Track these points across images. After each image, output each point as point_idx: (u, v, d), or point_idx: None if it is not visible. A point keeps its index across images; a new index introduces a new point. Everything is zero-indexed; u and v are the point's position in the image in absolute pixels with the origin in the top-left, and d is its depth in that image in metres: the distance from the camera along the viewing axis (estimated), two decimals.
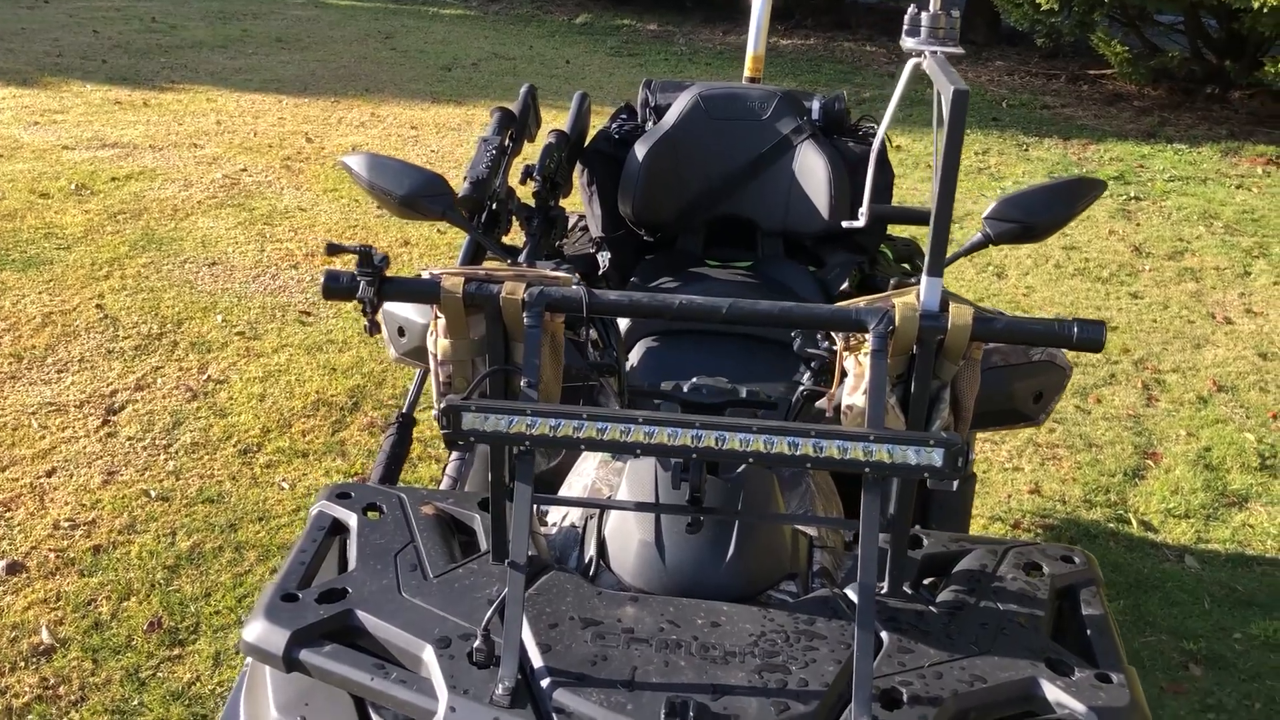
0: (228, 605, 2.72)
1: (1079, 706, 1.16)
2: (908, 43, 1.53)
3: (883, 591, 1.32)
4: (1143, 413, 3.86)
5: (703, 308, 1.35)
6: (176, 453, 3.32)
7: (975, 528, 3.09)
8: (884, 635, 1.24)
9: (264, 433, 3.44)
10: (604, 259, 2.40)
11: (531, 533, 1.35)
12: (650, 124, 2.52)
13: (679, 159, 2.41)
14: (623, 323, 2.09)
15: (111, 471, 3.22)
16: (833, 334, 1.44)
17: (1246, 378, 4.12)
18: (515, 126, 2.29)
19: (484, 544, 1.38)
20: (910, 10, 1.54)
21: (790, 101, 2.45)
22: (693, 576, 1.34)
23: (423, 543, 1.36)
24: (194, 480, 3.20)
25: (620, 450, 1.21)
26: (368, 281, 1.36)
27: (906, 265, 2.54)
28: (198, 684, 2.49)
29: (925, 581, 1.39)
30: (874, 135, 2.50)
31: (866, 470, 1.19)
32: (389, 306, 1.82)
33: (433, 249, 4.99)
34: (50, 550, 2.87)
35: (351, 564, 1.33)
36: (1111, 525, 3.26)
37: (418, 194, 1.86)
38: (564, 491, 1.69)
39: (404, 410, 2.41)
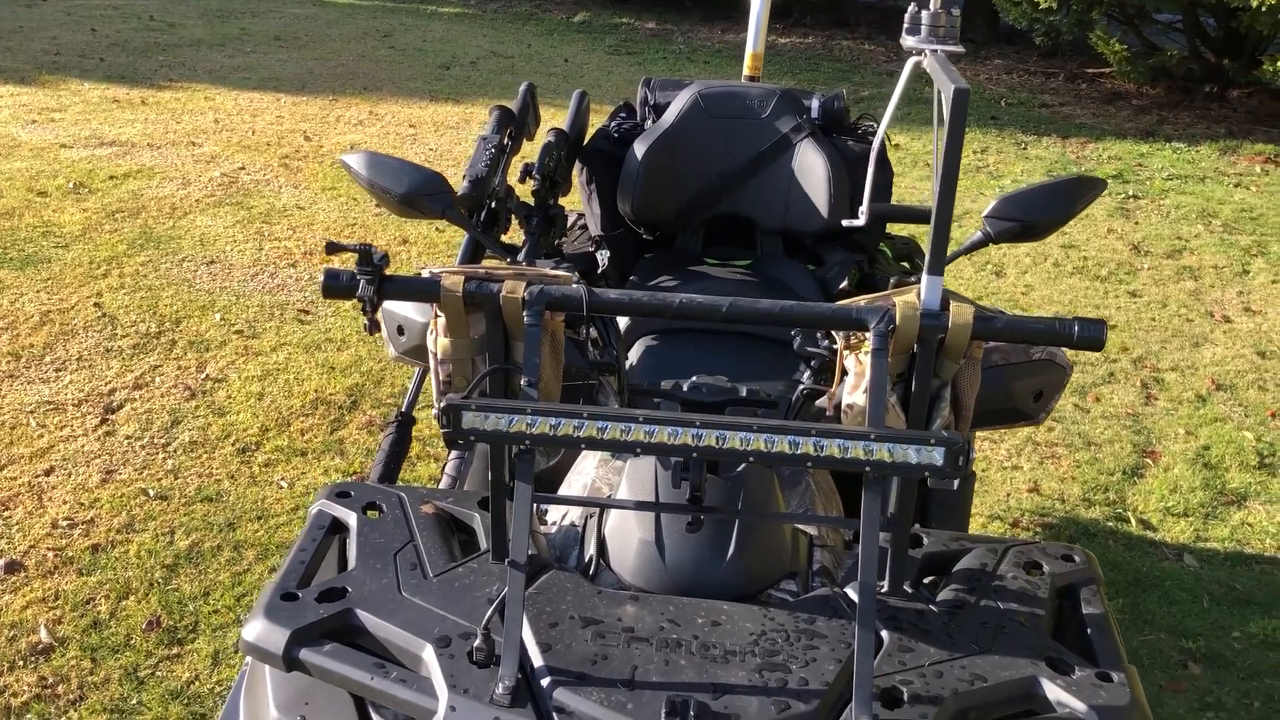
0: (226, 604, 2.72)
1: (1079, 705, 1.16)
2: (908, 41, 1.53)
3: (883, 590, 1.32)
4: (1141, 411, 3.86)
5: (703, 306, 1.35)
6: (175, 451, 3.32)
7: (974, 526, 3.09)
8: (884, 634, 1.24)
9: (262, 431, 3.44)
10: (603, 258, 2.40)
11: (531, 532, 1.35)
12: (649, 122, 2.52)
13: (678, 157, 2.41)
14: (622, 321, 2.09)
15: (110, 470, 3.22)
16: (833, 333, 1.43)
17: (1245, 376, 4.13)
18: (514, 125, 2.28)
19: (484, 543, 1.37)
20: (910, 9, 1.54)
21: (790, 100, 2.45)
22: (693, 575, 1.34)
23: (422, 542, 1.36)
24: (192, 479, 3.20)
25: (621, 449, 1.20)
26: (367, 280, 1.36)
27: (906, 263, 2.54)
28: (196, 683, 2.48)
29: (925, 580, 1.39)
30: (873, 134, 2.50)
31: (867, 469, 1.19)
32: (388, 305, 1.81)
33: (431, 247, 4.99)
34: (48, 549, 2.87)
35: (351, 563, 1.33)
36: (1110, 524, 3.26)
37: (417, 192, 1.86)
38: (563, 490, 1.69)
39: (403, 409, 2.41)
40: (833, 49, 10.04)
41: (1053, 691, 1.17)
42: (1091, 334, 1.31)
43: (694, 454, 1.20)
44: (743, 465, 1.42)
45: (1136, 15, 8.17)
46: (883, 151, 1.97)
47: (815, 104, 2.49)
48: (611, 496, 1.51)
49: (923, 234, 2.70)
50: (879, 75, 8.98)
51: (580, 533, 1.48)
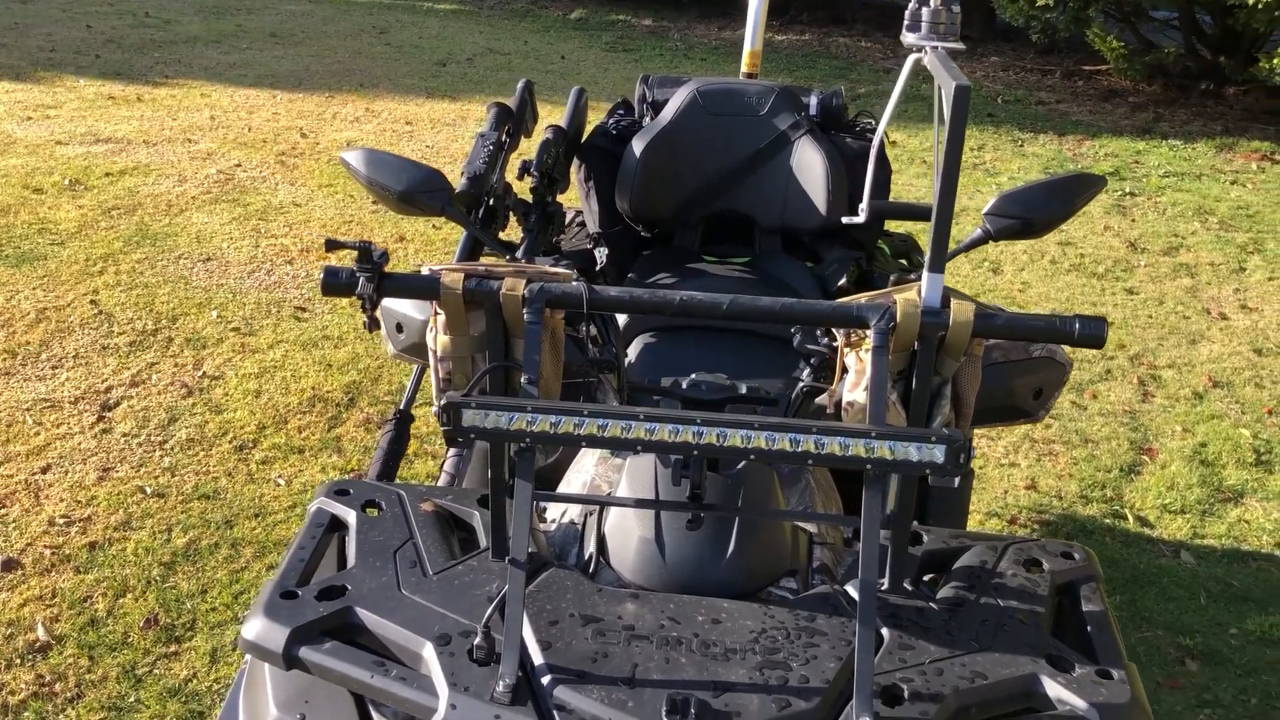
0: (224, 602, 2.72)
1: (1080, 703, 1.16)
2: (908, 38, 1.53)
3: (883, 588, 1.32)
4: (1138, 408, 3.87)
5: (704, 304, 1.35)
6: (172, 449, 3.31)
7: (972, 523, 3.09)
8: (885, 632, 1.24)
9: (260, 429, 3.43)
10: (601, 255, 2.39)
11: (531, 530, 1.34)
12: (648, 119, 2.52)
13: (676, 154, 2.41)
14: (620, 318, 2.09)
15: (107, 468, 3.21)
16: (833, 330, 1.43)
17: (1242, 373, 4.13)
18: (512, 122, 2.28)
19: (483, 541, 1.37)
20: (911, 5, 1.54)
21: (788, 97, 2.45)
22: (693, 573, 1.34)
23: (422, 540, 1.35)
24: (190, 476, 3.19)
25: (621, 447, 1.20)
26: (367, 277, 1.36)
27: (904, 260, 2.53)
28: (194, 681, 2.48)
29: (925, 578, 1.39)
30: (871, 131, 2.50)
31: (868, 467, 1.19)
32: (387, 302, 1.81)
33: (428, 245, 4.99)
34: (46, 547, 2.87)
35: (351, 561, 1.33)
36: (1108, 521, 3.26)
37: (416, 189, 1.86)
38: (563, 488, 1.68)
39: (401, 407, 2.41)
40: (830, 46, 10.04)
41: (1053, 689, 1.17)
42: (1092, 331, 1.31)
43: (695, 451, 1.20)
44: (743, 463, 1.42)
45: (1133, 12, 8.18)
46: (882, 148, 1.97)
47: (814, 101, 2.48)
48: (611, 494, 1.50)
49: (920, 231, 2.71)
50: (876, 72, 8.98)
51: (580, 530, 1.48)
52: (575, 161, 2.46)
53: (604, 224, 2.46)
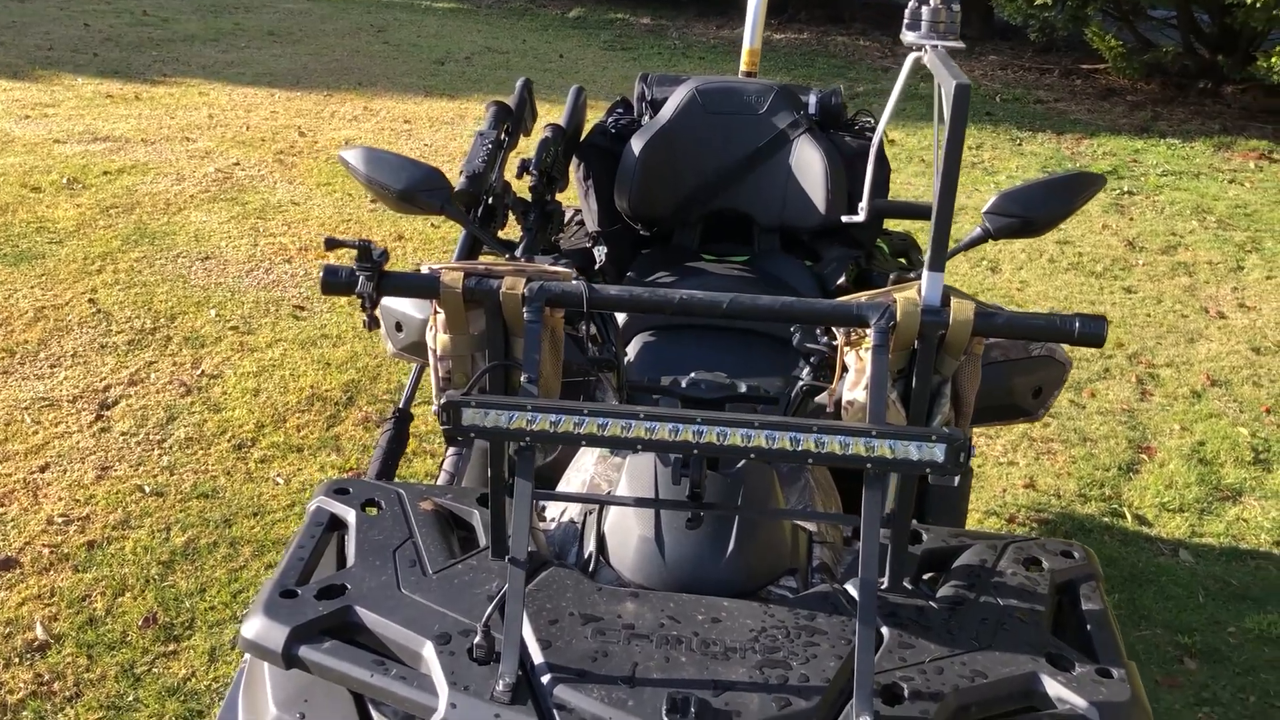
0: (223, 601, 2.72)
1: (1080, 701, 1.16)
2: (908, 37, 1.53)
3: (883, 587, 1.32)
4: (1137, 407, 3.87)
5: (704, 303, 1.35)
6: (170, 448, 3.31)
7: (971, 522, 3.09)
8: (884, 631, 1.24)
9: (258, 428, 3.43)
10: (600, 253, 2.39)
11: (531, 529, 1.34)
12: (646, 118, 2.51)
13: (675, 153, 2.41)
14: (620, 317, 2.09)
15: (105, 467, 3.21)
16: (833, 329, 1.43)
17: (1240, 372, 4.13)
18: (511, 120, 2.28)
19: (483, 540, 1.37)
20: (910, 4, 1.54)
21: (787, 96, 2.45)
22: (693, 572, 1.34)
23: (421, 539, 1.35)
24: (188, 475, 3.19)
25: (621, 446, 1.20)
26: (367, 276, 1.36)
27: (903, 259, 2.53)
28: (193, 680, 2.48)
29: (925, 577, 1.39)
30: (870, 129, 2.50)
31: (868, 466, 1.19)
32: (387, 301, 1.81)
33: (427, 243, 4.98)
34: (44, 545, 2.86)
35: (350, 560, 1.33)
36: (1106, 519, 3.26)
37: (416, 188, 1.86)
38: (562, 487, 1.68)
39: (400, 405, 2.41)
40: (828, 45, 10.04)
41: (1053, 688, 1.17)
42: (1092, 330, 1.31)
43: (695, 450, 1.20)
44: (742, 462, 1.41)
45: (1131, 11, 8.18)
46: (881, 147, 1.97)
47: (813, 100, 2.48)
48: (611, 493, 1.50)
49: (919, 230, 2.71)
50: (874, 71, 8.98)
51: (580, 529, 1.48)
52: (574, 160, 2.46)
53: (603, 223, 2.46)
